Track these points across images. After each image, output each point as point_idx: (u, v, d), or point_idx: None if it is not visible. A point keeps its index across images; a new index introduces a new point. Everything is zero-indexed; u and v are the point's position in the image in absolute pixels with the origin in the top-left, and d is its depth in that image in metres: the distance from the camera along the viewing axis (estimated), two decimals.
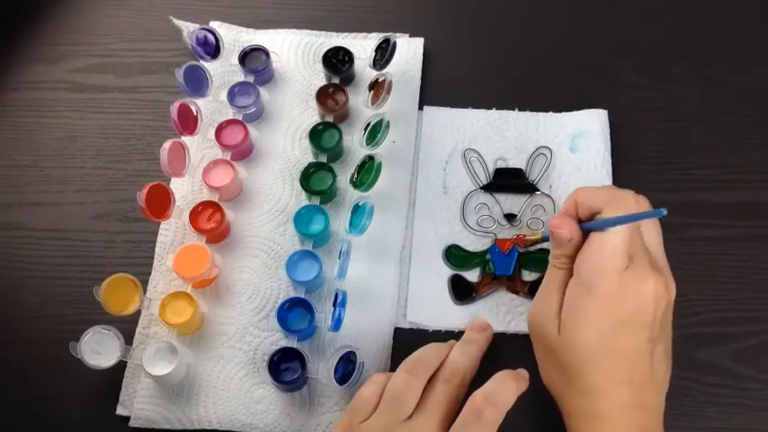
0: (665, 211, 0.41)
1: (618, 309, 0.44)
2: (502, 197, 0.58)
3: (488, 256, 0.55)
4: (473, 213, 0.57)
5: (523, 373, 0.47)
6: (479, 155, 0.59)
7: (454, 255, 0.55)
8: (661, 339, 0.45)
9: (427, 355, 0.49)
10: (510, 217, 0.57)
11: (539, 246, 0.55)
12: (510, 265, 0.55)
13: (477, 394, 0.45)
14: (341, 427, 0.47)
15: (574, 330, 0.45)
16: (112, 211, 0.58)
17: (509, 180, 0.58)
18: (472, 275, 0.55)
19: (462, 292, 0.54)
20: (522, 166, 0.58)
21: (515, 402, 0.46)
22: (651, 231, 0.47)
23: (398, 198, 0.58)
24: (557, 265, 0.47)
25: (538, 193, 0.57)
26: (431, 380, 0.47)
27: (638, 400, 0.44)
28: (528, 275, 0.55)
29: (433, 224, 0.57)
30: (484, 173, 0.58)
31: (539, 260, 0.55)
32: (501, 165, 0.59)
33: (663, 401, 0.45)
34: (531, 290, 0.54)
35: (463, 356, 0.49)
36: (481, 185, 0.58)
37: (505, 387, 0.46)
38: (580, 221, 0.47)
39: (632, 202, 0.45)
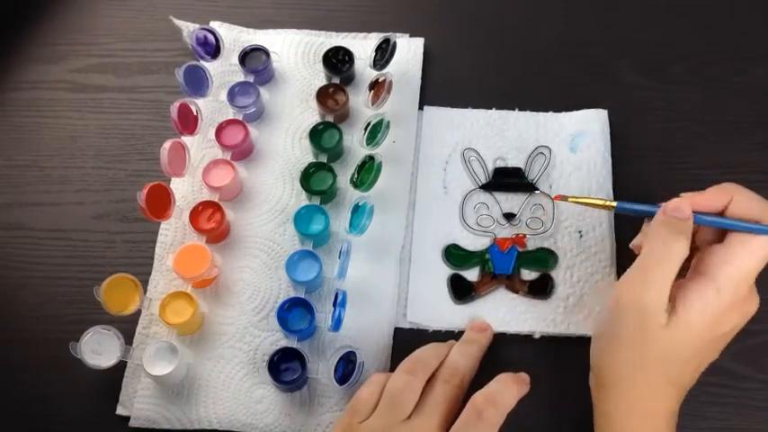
0: None
1: (736, 319, 0.44)
2: (501, 196, 0.58)
3: (488, 256, 0.55)
4: (472, 213, 0.57)
5: (525, 376, 0.47)
6: (478, 154, 0.59)
7: (453, 254, 0.55)
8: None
9: (426, 355, 0.49)
10: (509, 216, 0.57)
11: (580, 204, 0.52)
12: (509, 265, 0.55)
13: (479, 395, 0.45)
14: (340, 426, 0.47)
15: (689, 329, 0.43)
16: (112, 211, 0.58)
17: (508, 179, 0.58)
18: (471, 275, 0.55)
19: (462, 291, 0.54)
20: (522, 166, 0.58)
21: (516, 405, 0.46)
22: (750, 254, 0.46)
23: (398, 198, 0.58)
24: (677, 248, 0.43)
25: (537, 192, 0.57)
26: (430, 380, 0.47)
27: (677, 398, 0.45)
28: (527, 274, 0.55)
29: (433, 224, 0.57)
30: (483, 172, 0.58)
31: (538, 259, 0.55)
32: (500, 164, 0.59)
33: None
34: (531, 289, 0.54)
35: (463, 357, 0.49)
36: (480, 185, 0.58)
37: (507, 389, 0.46)
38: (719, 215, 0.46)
39: None
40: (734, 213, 0.45)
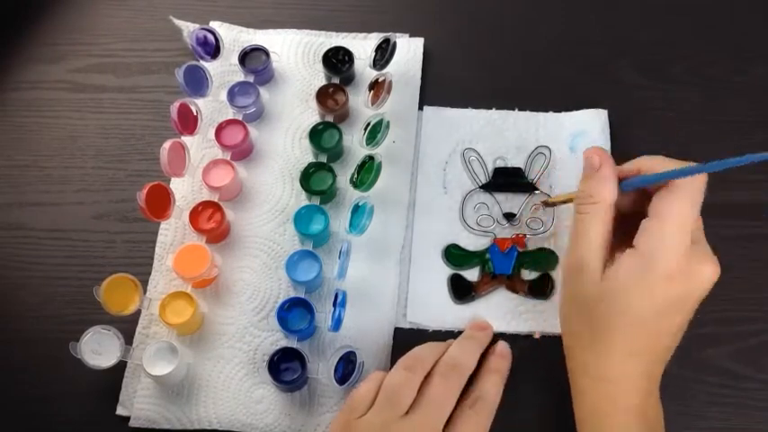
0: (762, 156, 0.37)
1: (680, 286, 0.43)
2: (501, 196, 0.57)
3: (488, 256, 0.55)
4: (472, 213, 0.57)
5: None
6: (478, 154, 0.59)
7: (453, 254, 0.55)
8: (688, 321, 0.46)
9: (424, 352, 0.49)
10: (509, 216, 0.57)
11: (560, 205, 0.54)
12: (509, 265, 0.55)
13: (471, 391, 0.47)
14: (337, 423, 0.47)
15: (625, 295, 0.43)
16: (112, 211, 0.58)
17: (508, 179, 0.58)
18: (472, 275, 0.55)
19: (462, 291, 0.54)
20: (522, 166, 0.58)
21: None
22: (700, 220, 0.47)
23: (398, 198, 0.58)
24: (585, 210, 0.46)
25: (537, 192, 0.57)
26: (428, 376, 0.47)
27: (649, 371, 0.45)
28: (527, 274, 0.55)
29: (433, 224, 0.57)
30: (483, 172, 0.58)
31: (538, 259, 0.55)
32: (500, 164, 0.59)
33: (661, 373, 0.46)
34: (531, 289, 0.54)
35: (461, 353, 0.49)
36: (480, 185, 0.58)
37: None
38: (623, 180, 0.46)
39: (671, 164, 0.44)
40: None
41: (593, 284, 0.44)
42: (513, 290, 0.54)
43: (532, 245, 0.56)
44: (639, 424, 0.44)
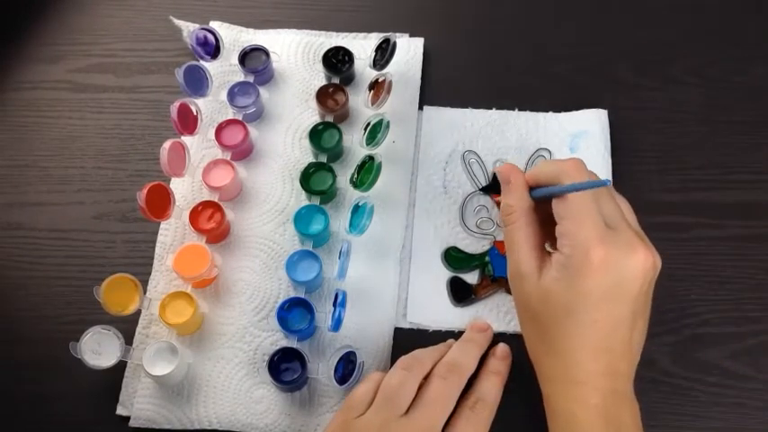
0: (608, 182, 0.43)
1: (606, 277, 0.43)
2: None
3: (487, 259, 0.55)
4: (472, 215, 0.57)
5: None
6: (479, 157, 0.59)
7: (453, 257, 0.55)
8: (643, 312, 0.45)
9: (424, 353, 0.49)
10: None
11: None
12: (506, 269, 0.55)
13: (471, 393, 0.47)
14: (335, 423, 0.47)
15: (562, 295, 0.44)
16: (112, 211, 0.58)
17: None
18: (471, 278, 0.55)
19: (461, 294, 0.54)
20: (522, 168, 0.58)
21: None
22: (626, 208, 0.47)
23: (398, 198, 0.58)
24: (509, 221, 0.48)
25: None
26: (428, 378, 0.47)
27: (612, 368, 0.44)
28: None
29: (433, 224, 0.57)
30: (483, 175, 0.58)
31: None
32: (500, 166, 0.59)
33: (634, 370, 0.46)
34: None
35: (461, 354, 0.49)
36: (480, 187, 0.58)
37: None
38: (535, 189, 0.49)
39: (581, 168, 0.46)
40: (540, 181, 0.48)
41: (534, 288, 0.45)
42: None
43: None
44: (602, 424, 0.43)
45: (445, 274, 0.55)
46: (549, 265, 0.45)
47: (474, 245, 0.56)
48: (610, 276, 0.43)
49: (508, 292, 0.54)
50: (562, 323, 0.44)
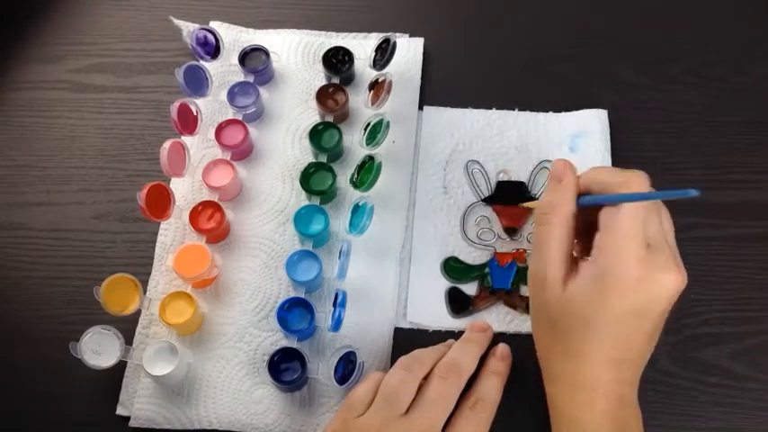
0: (695, 192, 0.39)
1: (637, 296, 0.42)
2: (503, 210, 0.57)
3: (487, 270, 0.55)
4: (473, 226, 0.57)
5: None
6: (482, 166, 0.58)
7: (453, 267, 0.55)
8: (660, 326, 0.45)
9: (424, 353, 0.49)
10: (510, 231, 0.56)
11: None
12: (508, 280, 0.54)
13: (471, 393, 0.47)
14: (335, 423, 0.47)
15: (585, 306, 0.43)
16: (112, 211, 0.58)
17: (511, 193, 0.57)
18: (470, 289, 0.55)
19: (459, 305, 0.54)
20: (525, 180, 0.58)
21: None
22: (668, 226, 0.46)
23: (398, 198, 0.58)
24: (545, 221, 0.46)
25: None
26: (428, 377, 0.47)
27: (622, 377, 0.44)
28: (526, 291, 0.54)
29: (433, 224, 0.57)
30: (486, 185, 0.58)
31: None
32: (503, 177, 0.58)
33: (639, 377, 0.46)
34: (529, 306, 0.53)
35: (461, 354, 0.49)
36: (483, 198, 0.57)
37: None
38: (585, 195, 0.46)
39: (645, 184, 0.44)
40: (593, 189, 0.46)
41: (556, 296, 0.44)
42: (512, 305, 0.54)
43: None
44: (609, 428, 0.43)
45: (444, 284, 0.55)
46: (576, 273, 0.44)
47: (474, 256, 0.56)
48: (640, 296, 0.42)
49: (507, 304, 0.54)
50: (579, 330, 0.44)
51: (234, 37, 0.64)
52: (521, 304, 0.54)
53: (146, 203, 0.51)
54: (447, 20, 0.66)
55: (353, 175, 0.57)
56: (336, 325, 0.50)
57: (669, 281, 0.43)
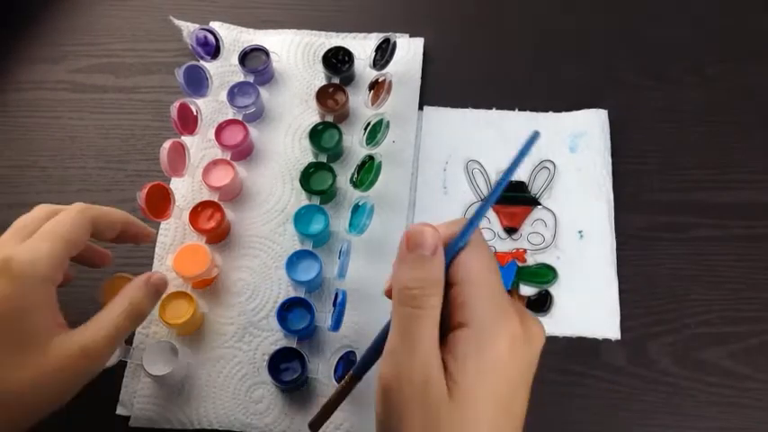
0: (536, 133, 0.35)
1: (520, 357, 0.35)
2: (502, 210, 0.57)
3: None
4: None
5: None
6: (482, 166, 0.59)
7: None
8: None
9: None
10: (510, 230, 0.56)
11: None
12: (508, 279, 0.54)
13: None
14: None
15: (475, 388, 0.34)
16: None
17: (511, 193, 0.58)
18: None
19: None
20: (525, 180, 0.58)
21: None
22: (490, 268, 0.36)
23: (398, 198, 0.58)
24: (418, 304, 0.35)
25: (539, 206, 0.57)
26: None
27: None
28: (526, 290, 0.54)
29: (433, 224, 0.57)
30: (486, 184, 0.58)
31: (537, 275, 0.54)
32: None
33: None
34: (529, 305, 0.53)
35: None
36: (482, 197, 0.58)
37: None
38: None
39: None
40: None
41: (442, 395, 0.33)
42: None
43: (532, 260, 0.55)
44: None
45: None
46: (454, 349, 0.34)
47: None
48: (525, 354, 0.35)
49: None
50: (474, 418, 0.34)
51: (234, 37, 0.64)
52: (521, 304, 0.53)
53: (146, 203, 0.51)
54: (447, 20, 0.66)
55: (353, 174, 0.57)
56: (336, 325, 0.50)
57: (539, 329, 0.36)
